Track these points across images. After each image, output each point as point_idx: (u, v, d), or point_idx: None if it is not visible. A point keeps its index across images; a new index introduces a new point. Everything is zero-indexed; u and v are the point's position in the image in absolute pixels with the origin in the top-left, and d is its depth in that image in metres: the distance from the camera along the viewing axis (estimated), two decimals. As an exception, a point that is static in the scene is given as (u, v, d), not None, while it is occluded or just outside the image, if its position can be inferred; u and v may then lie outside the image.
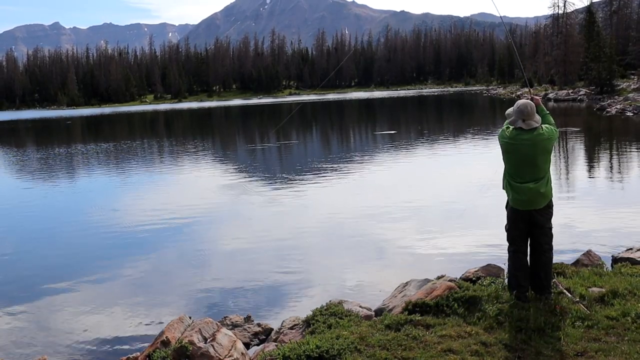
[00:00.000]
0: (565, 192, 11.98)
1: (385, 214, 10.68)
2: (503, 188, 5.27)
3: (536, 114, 5.06)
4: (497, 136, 5.28)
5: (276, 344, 4.95)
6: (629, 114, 32.58)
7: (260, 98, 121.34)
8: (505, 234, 5.30)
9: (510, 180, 5.08)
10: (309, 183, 14.89)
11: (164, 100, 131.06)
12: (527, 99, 5.24)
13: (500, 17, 6.72)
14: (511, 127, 5.08)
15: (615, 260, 6.72)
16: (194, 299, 6.89)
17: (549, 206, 5.12)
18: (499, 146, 5.19)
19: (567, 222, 8.63)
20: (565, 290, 5.24)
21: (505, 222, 5.33)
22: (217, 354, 4.48)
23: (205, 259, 8.54)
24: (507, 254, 5.29)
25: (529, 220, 5.08)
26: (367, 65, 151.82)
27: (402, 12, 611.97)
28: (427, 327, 4.75)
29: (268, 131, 34.19)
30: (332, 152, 23.41)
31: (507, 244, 5.32)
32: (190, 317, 5.14)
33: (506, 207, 5.27)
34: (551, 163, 5.18)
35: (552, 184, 5.14)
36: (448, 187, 13.49)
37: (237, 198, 13.48)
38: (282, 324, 5.46)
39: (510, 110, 5.18)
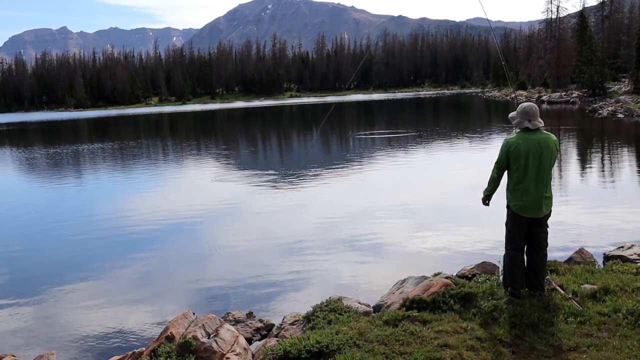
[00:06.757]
0: (558, 191, 12.06)
1: (383, 212, 10.79)
2: (508, 202, 5.28)
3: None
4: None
5: (277, 339, 5.01)
6: (620, 115, 32.87)
7: (262, 100, 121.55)
8: (505, 232, 5.35)
9: (517, 187, 5.11)
10: (308, 182, 14.96)
11: (169, 102, 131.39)
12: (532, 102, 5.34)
13: (488, 19, 6.84)
14: (516, 132, 5.20)
15: (607, 257, 6.82)
16: (197, 295, 6.97)
17: None
18: (499, 157, 5.21)
19: (560, 221, 8.73)
20: (558, 287, 5.34)
21: (501, 221, 5.41)
22: (220, 349, 4.52)
23: (208, 256, 8.63)
24: (505, 251, 5.35)
25: (533, 221, 5.19)
26: (366, 69, 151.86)
27: (400, 16, 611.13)
28: (424, 322, 4.83)
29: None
30: (332, 152, 23.48)
31: (503, 241, 5.40)
32: (193, 313, 5.21)
33: (507, 207, 5.31)
34: None
35: None
36: (446, 186, 13.57)
37: (237, 197, 13.57)
38: (283, 319, 5.53)
39: (513, 113, 5.29)
